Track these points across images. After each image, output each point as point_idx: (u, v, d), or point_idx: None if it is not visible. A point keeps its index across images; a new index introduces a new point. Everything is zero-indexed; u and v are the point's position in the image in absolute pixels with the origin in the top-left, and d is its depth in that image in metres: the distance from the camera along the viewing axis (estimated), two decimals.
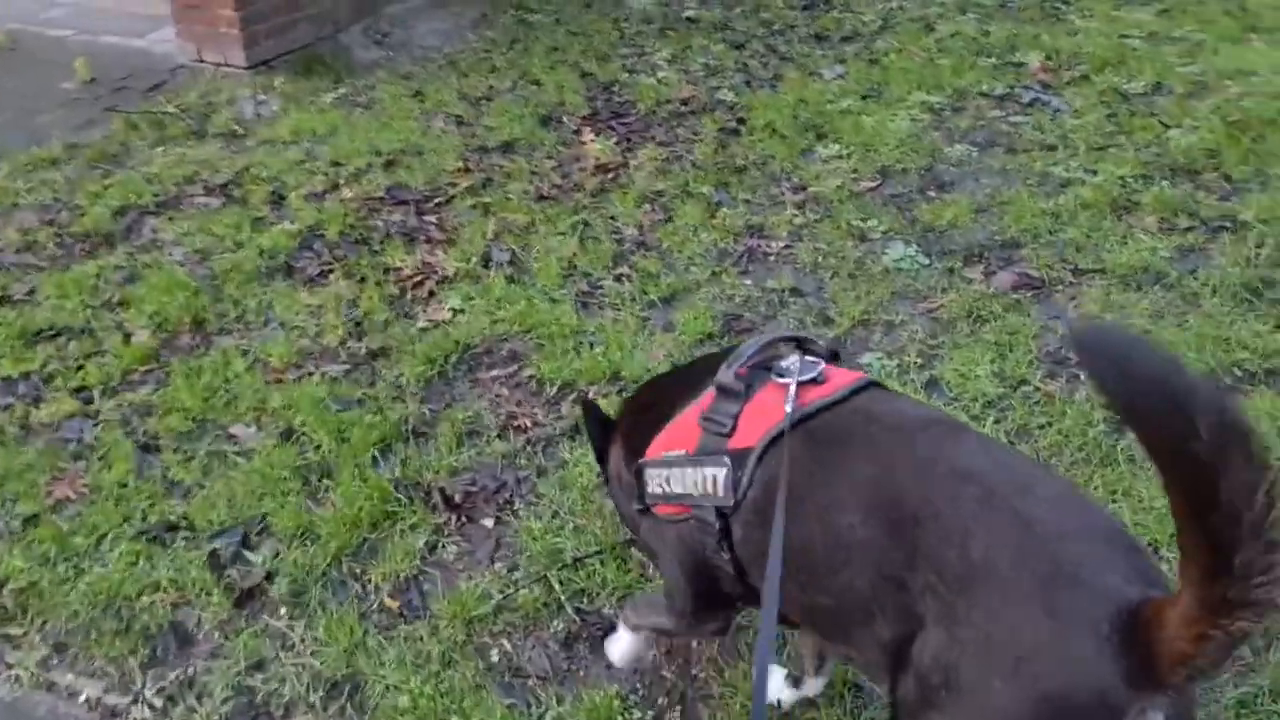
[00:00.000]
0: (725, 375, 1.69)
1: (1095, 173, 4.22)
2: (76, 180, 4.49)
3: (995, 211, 4.00)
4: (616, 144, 4.81)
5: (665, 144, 4.81)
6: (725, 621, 1.94)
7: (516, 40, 6.28)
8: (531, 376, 3.24)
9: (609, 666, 2.26)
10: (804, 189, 4.31)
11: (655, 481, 1.77)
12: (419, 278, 3.75)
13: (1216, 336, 3.14)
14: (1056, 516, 1.36)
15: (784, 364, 1.68)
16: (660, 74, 5.70)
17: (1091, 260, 3.62)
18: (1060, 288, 3.54)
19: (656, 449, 1.79)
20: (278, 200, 4.42)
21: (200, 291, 3.70)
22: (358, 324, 3.54)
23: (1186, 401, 1.04)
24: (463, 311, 3.56)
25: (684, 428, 1.74)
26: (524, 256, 3.89)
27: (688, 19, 6.61)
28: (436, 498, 2.76)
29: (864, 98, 5.11)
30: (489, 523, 2.72)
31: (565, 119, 5.19)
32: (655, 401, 1.94)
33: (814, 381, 1.63)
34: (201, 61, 5.78)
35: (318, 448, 2.95)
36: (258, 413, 3.12)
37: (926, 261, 3.71)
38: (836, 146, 4.59)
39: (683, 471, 1.70)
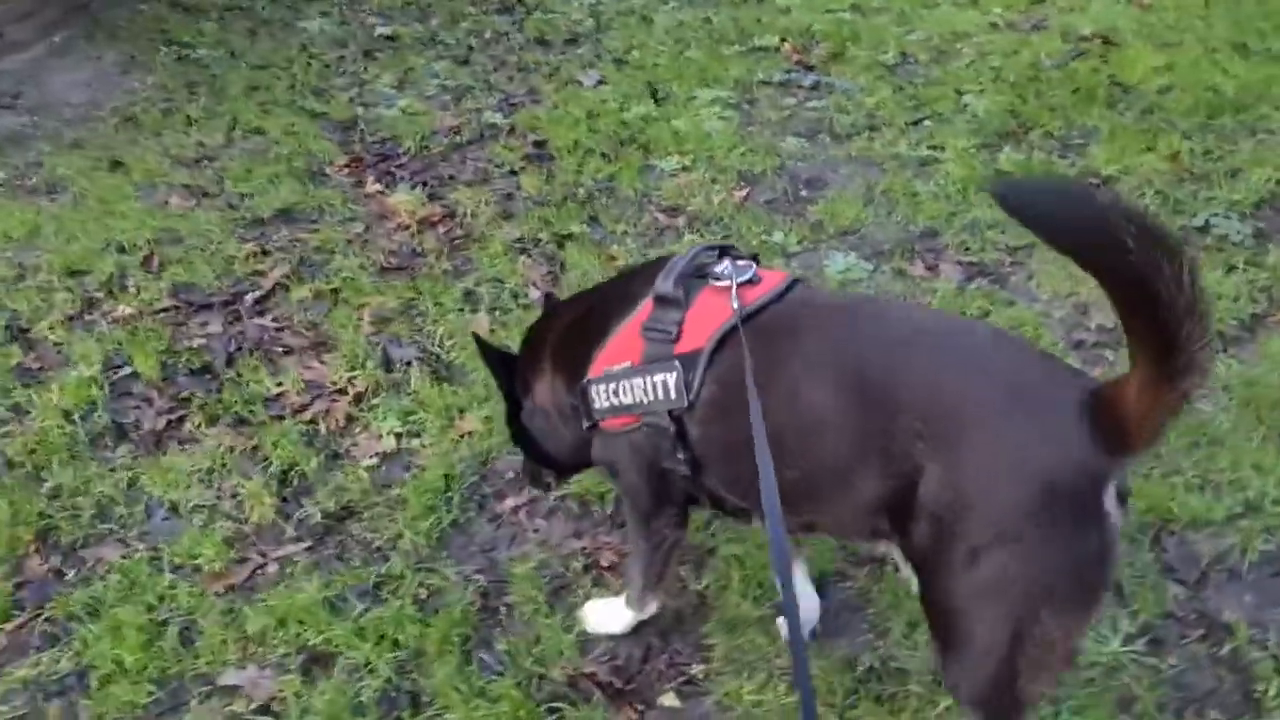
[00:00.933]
0: (663, 285, 1.77)
1: (941, 148, 4.22)
2: None
3: (883, 202, 3.87)
4: (418, 191, 4.06)
5: (477, 183, 4.16)
6: (682, 518, 2.00)
7: (194, 83, 5.19)
8: (564, 495, 2.57)
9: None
10: (677, 209, 3.90)
11: (603, 397, 1.82)
12: (314, 402, 2.88)
13: None
14: (1002, 348, 1.63)
15: (718, 269, 1.77)
16: (400, 103, 4.97)
17: (1014, 235, 3.58)
18: (1006, 267, 3.46)
19: (599, 366, 1.84)
20: (25, 339, 3.21)
21: (14, 489, 2.56)
22: (283, 481, 2.62)
23: (1107, 223, 1.29)
24: (413, 435, 2.77)
25: (626, 341, 1.81)
26: (431, 347, 3.13)
27: (385, 38, 5.86)
28: (592, 690, 2.06)
29: (650, 101, 4.76)
30: (672, 701, 2.09)
31: (328, 171, 4.31)
32: (583, 324, 1.98)
33: (750, 282, 1.74)
34: None
35: (369, 668, 2.11)
36: (242, 646, 2.18)
37: (871, 267, 3.47)
38: (675, 159, 4.22)
39: (630, 382, 1.77)
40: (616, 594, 2.19)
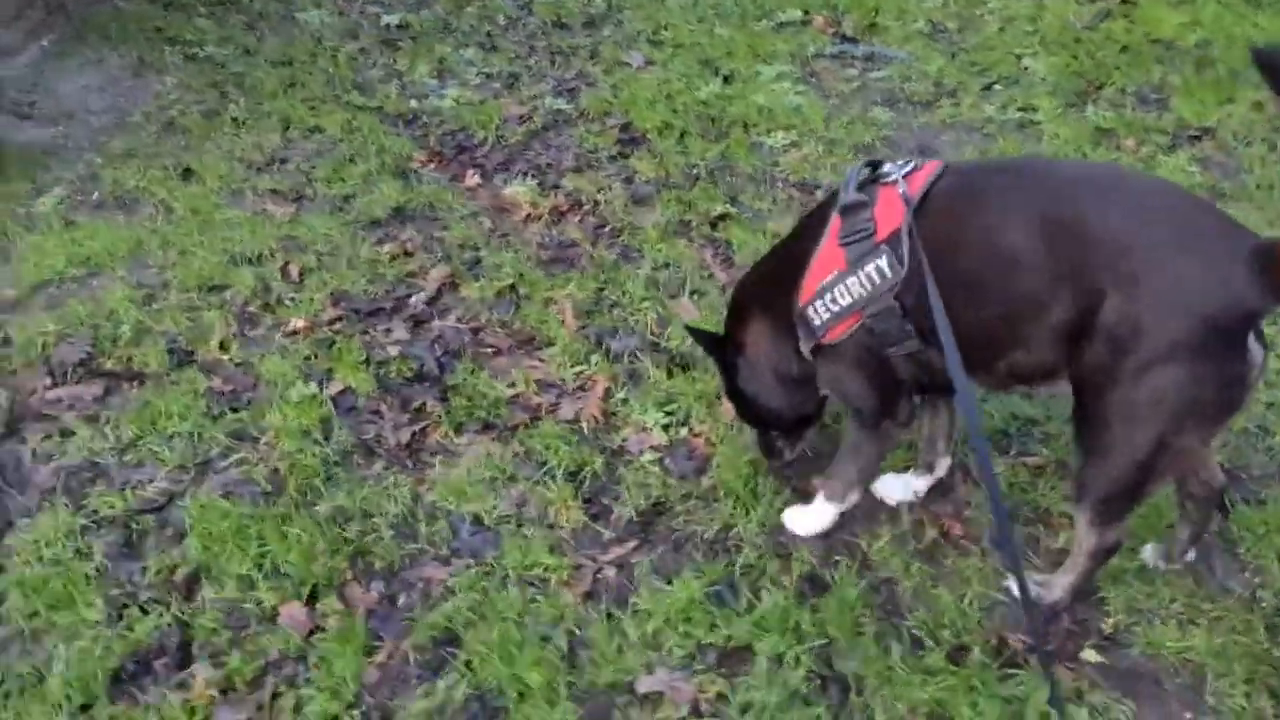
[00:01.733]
0: (846, 197, 2.01)
1: (1032, 109, 4.36)
2: None
3: None
4: (529, 181, 3.98)
5: (584, 169, 4.09)
6: (909, 411, 2.24)
7: (218, 83, 4.90)
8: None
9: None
10: (806, 184, 3.92)
11: (822, 309, 2.04)
12: (561, 401, 2.82)
13: None
14: (1177, 198, 1.88)
15: (884, 170, 2.02)
16: (450, 93, 4.82)
17: None
18: None
19: (810, 288, 2.04)
20: (195, 363, 3.01)
21: (292, 518, 2.42)
22: (574, 483, 2.55)
23: None
24: (679, 424, 2.73)
25: (827, 258, 2.02)
26: (649, 335, 3.08)
27: (396, 26, 5.65)
28: (1022, 653, 2.10)
29: (718, 79, 4.75)
30: (1095, 657, 2.14)
31: (414, 166, 4.16)
32: (774, 273, 2.23)
33: (915, 171, 1.98)
34: None
35: (782, 659, 2.09)
36: (636, 652, 2.12)
37: None
38: (780, 134, 4.23)
39: (845, 284, 1.99)
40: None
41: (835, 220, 2.04)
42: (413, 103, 4.69)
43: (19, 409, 2.82)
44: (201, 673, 2.06)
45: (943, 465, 2.46)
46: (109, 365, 2.98)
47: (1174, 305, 1.74)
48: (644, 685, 2.02)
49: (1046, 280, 1.84)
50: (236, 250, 3.51)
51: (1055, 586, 2.11)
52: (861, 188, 2.03)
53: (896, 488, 2.44)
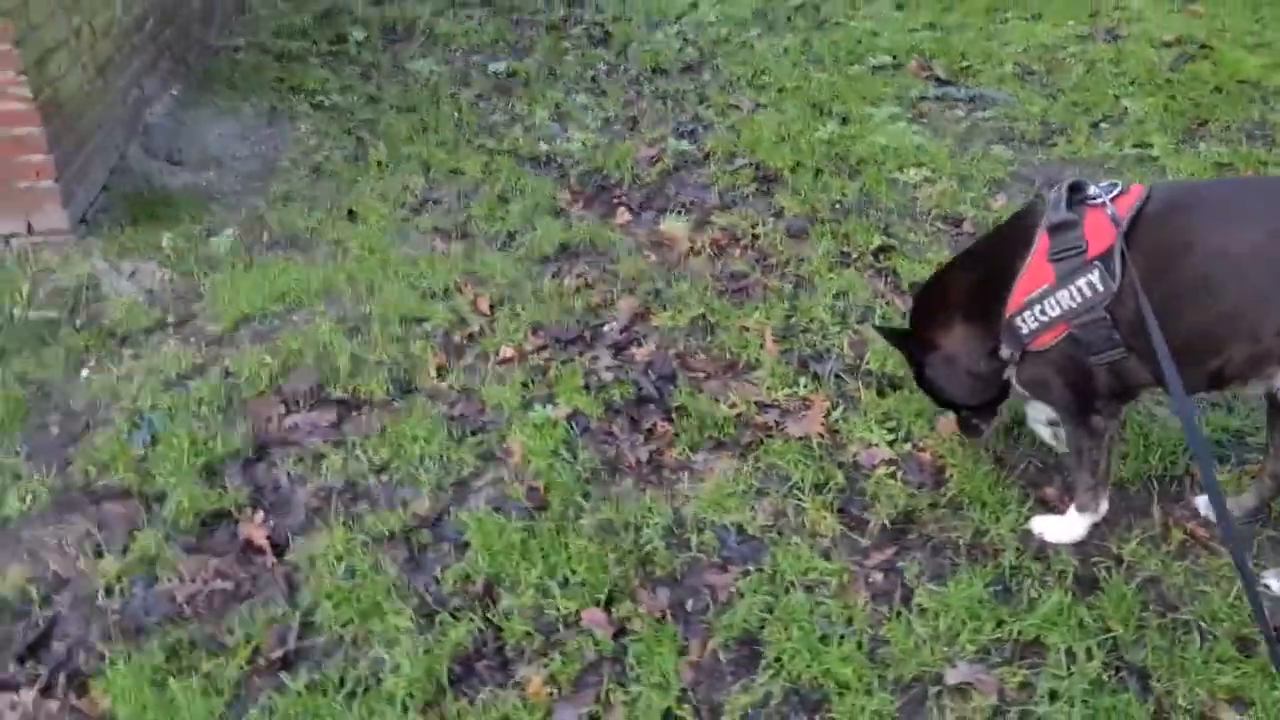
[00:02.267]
0: (1056, 216, 2.18)
1: (1148, 145, 4.60)
2: None
3: None
4: (682, 217, 4.17)
5: (729, 206, 4.30)
6: (1117, 409, 2.38)
7: (351, 129, 5.12)
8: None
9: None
10: (951, 217, 4.12)
11: (1031, 319, 2.23)
12: (786, 420, 2.98)
13: None
14: None
15: (1090, 192, 2.19)
16: (577, 135, 5.05)
17: None
18: None
19: (1016, 300, 2.24)
20: (414, 390, 3.16)
21: (563, 530, 2.59)
22: (821, 495, 2.71)
23: None
24: (903, 441, 2.89)
25: (1036, 273, 2.21)
26: (849, 359, 3.25)
27: (505, 74, 5.89)
28: None
29: (834, 120, 4.99)
30: None
31: (564, 207, 4.36)
32: (980, 281, 2.42)
33: (1120, 193, 2.16)
34: None
35: (1072, 653, 2.23)
36: (932, 647, 2.27)
37: None
38: (912, 171, 4.45)
39: (1055, 297, 2.17)
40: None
41: (1043, 237, 2.21)
42: (542, 145, 4.89)
43: (260, 435, 2.95)
44: (529, 672, 2.18)
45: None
46: (337, 394, 3.12)
47: None
48: (952, 677, 2.15)
49: (1270, 279, 2.04)
50: (423, 285, 3.67)
51: None
52: (1069, 208, 2.19)
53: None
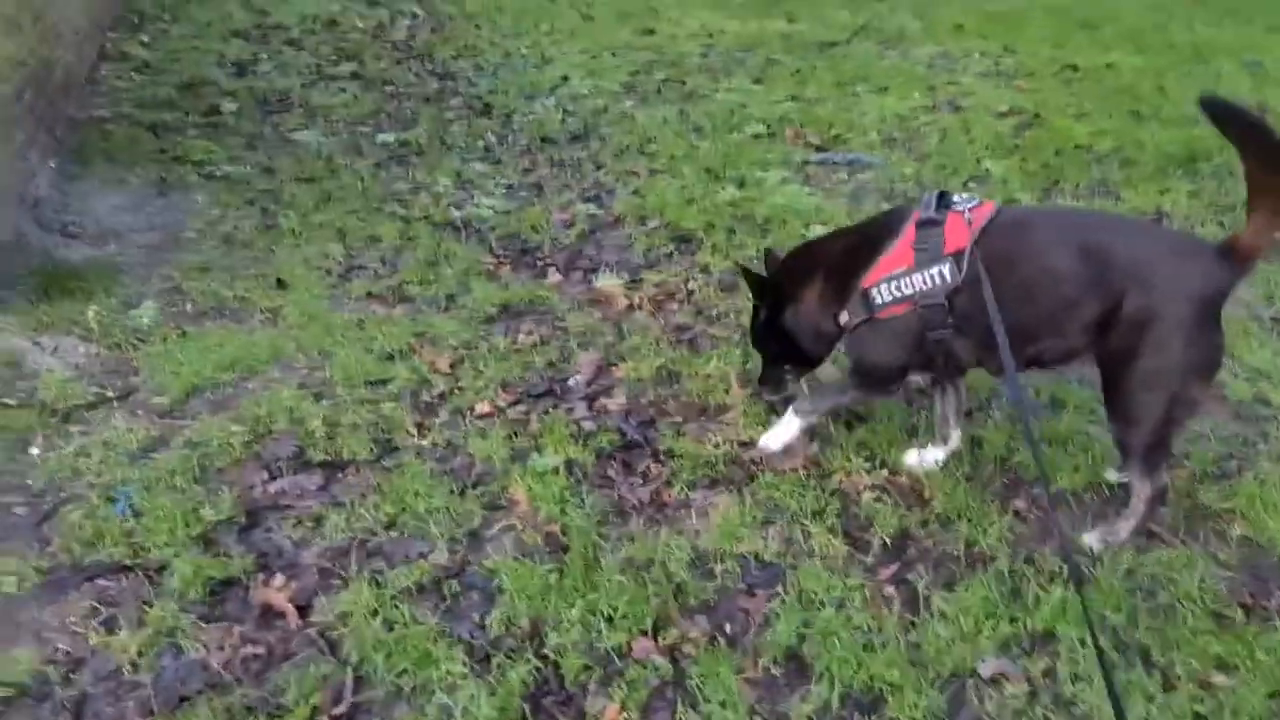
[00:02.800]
0: (926, 214, 2.63)
1: (1016, 201, 5.14)
2: None
3: None
4: (613, 276, 4.39)
5: (656, 264, 4.54)
6: (900, 389, 3.04)
7: (253, 200, 5.09)
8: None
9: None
10: None
11: (885, 293, 2.67)
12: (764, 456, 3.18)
13: None
14: (1161, 227, 3.33)
15: (955, 200, 2.65)
16: (486, 201, 5.19)
17: None
18: None
19: (877, 274, 2.67)
20: (393, 448, 3.22)
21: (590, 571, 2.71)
22: (820, 520, 2.94)
23: (1260, 126, 2.30)
24: (893, 473, 3.16)
25: (899, 255, 2.65)
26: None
27: (397, 143, 5.98)
28: None
29: (731, 184, 5.36)
30: None
31: (492, 269, 4.50)
32: (847, 254, 2.83)
33: (978, 205, 2.62)
34: None
35: (1083, 642, 2.52)
36: (967, 646, 2.51)
37: None
38: (818, 228, 4.79)
39: (911, 278, 2.62)
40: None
41: (910, 229, 2.64)
42: (454, 211, 4.99)
43: (247, 502, 2.91)
44: (598, 704, 2.26)
45: (955, 438, 3.06)
46: (319, 457, 3.10)
47: (1178, 295, 2.43)
48: (985, 670, 2.37)
49: (1081, 287, 2.49)
50: (376, 348, 3.69)
51: (1121, 532, 2.71)
52: (936, 211, 2.63)
53: (916, 459, 3.05)
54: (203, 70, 7.05)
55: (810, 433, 3.16)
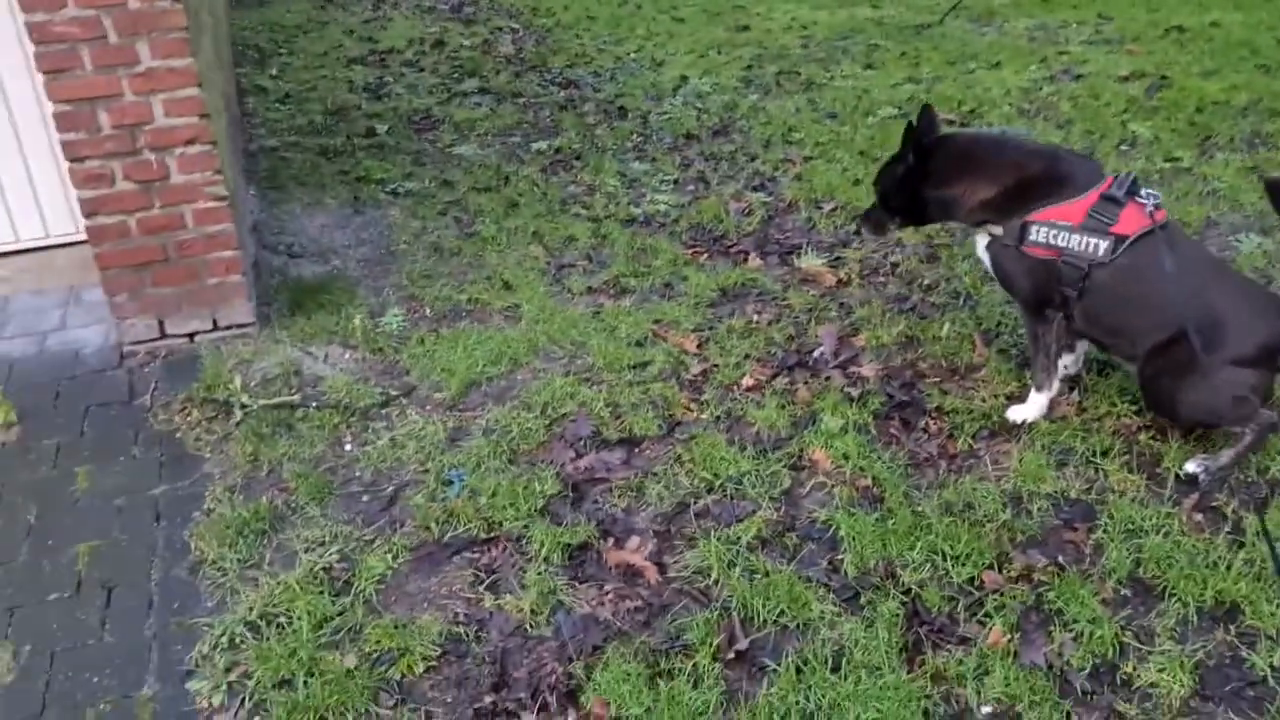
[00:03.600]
0: (1116, 192, 2.84)
1: (1177, 159, 5.28)
2: None
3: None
4: (812, 255, 4.59)
5: (842, 244, 4.72)
6: (1056, 313, 3.07)
7: (443, 212, 5.32)
8: None
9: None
10: None
11: (1042, 234, 2.90)
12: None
13: None
14: (1241, 278, 3.19)
15: (1142, 193, 2.84)
16: (660, 197, 5.39)
17: None
18: None
19: (1043, 216, 2.89)
20: (672, 425, 3.43)
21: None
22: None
23: None
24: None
25: (1073, 211, 2.87)
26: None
27: (554, 151, 6.21)
28: None
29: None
30: None
31: (689, 258, 4.71)
32: (1030, 183, 2.99)
33: (1157, 207, 2.83)
34: (165, 337, 3.94)
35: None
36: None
37: None
38: None
39: (1071, 235, 2.86)
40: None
41: (1095, 195, 2.85)
42: (633, 208, 5.20)
43: (566, 478, 3.15)
44: (975, 628, 2.47)
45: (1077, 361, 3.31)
46: (615, 435, 3.33)
47: (1241, 346, 2.80)
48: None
49: (1172, 314, 2.80)
50: (621, 336, 3.91)
51: (1222, 459, 2.96)
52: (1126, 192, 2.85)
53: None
54: (340, 96, 7.32)
55: (1071, 383, 3.34)
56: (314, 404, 3.54)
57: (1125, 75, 6.71)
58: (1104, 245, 2.83)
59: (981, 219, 3.09)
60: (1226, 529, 2.73)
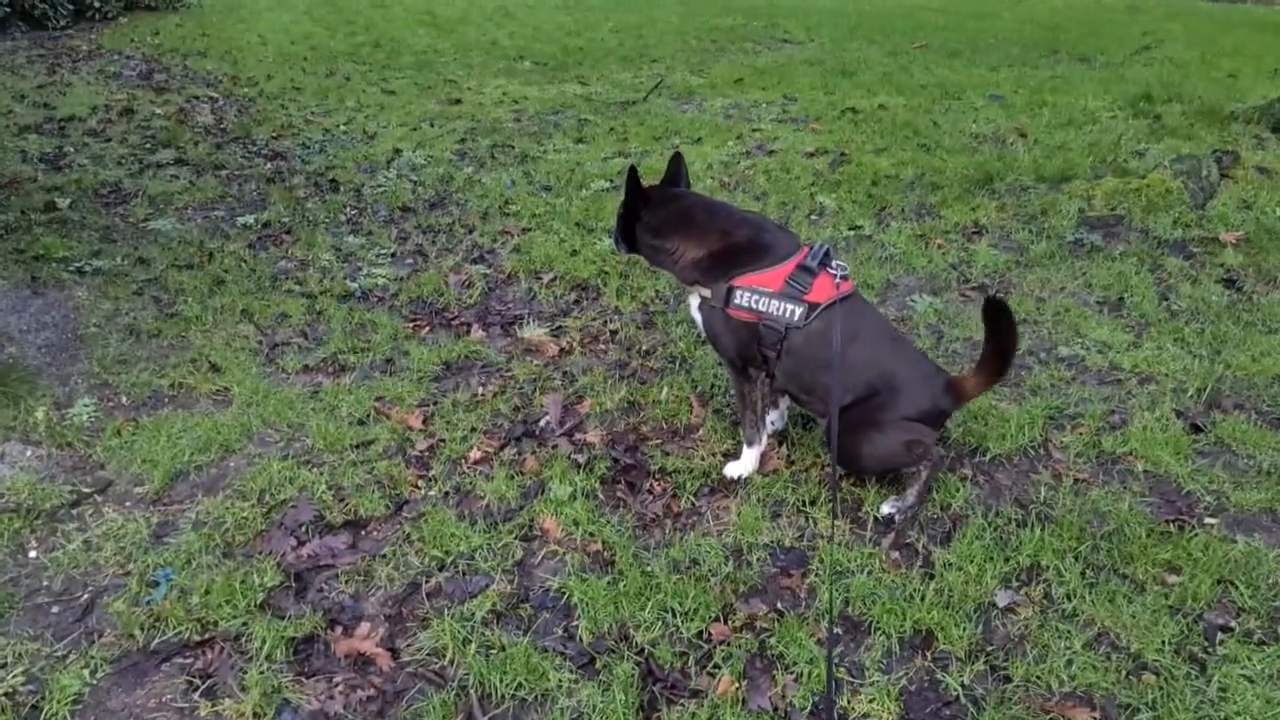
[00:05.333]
0: (810, 263, 3.08)
1: (860, 227, 5.86)
2: None
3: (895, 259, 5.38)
4: (534, 326, 4.74)
5: (565, 313, 4.87)
6: (760, 373, 3.29)
7: (139, 292, 5.03)
8: None
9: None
10: None
11: (745, 299, 3.09)
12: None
13: None
14: (919, 356, 3.29)
15: (833, 265, 3.11)
16: (378, 270, 5.38)
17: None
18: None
19: (746, 281, 3.09)
20: (402, 503, 3.45)
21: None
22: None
23: (1012, 326, 2.97)
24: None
25: (773, 279, 3.08)
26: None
27: (262, 225, 6.05)
28: None
29: (607, 235, 5.75)
30: None
31: (410, 332, 4.76)
32: (738, 249, 3.18)
33: (845, 277, 3.11)
34: None
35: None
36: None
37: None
38: None
39: (770, 301, 3.07)
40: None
41: (792, 265, 3.08)
42: (349, 283, 5.13)
43: (287, 568, 3.04)
44: (707, 681, 2.59)
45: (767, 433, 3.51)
46: (339, 518, 3.25)
47: (909, 406, 3.10)
48: (1001, 600, 2.87)
49: (862, 372, 3.09)
50: (343, 414, 3.84)
51: (908, 499, 3.25)
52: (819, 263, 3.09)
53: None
54: (12, 167, 6.74)
55: (779, 438, 3.56)
56: None
57: (811, 151, 7.31)
58: (799, 311, 3.05)
59: (693, 278, 3.23)
60: (919, 563, 2.97)
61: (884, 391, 3.07)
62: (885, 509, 3.19)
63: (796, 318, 3.06)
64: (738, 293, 3.11)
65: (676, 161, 3.39)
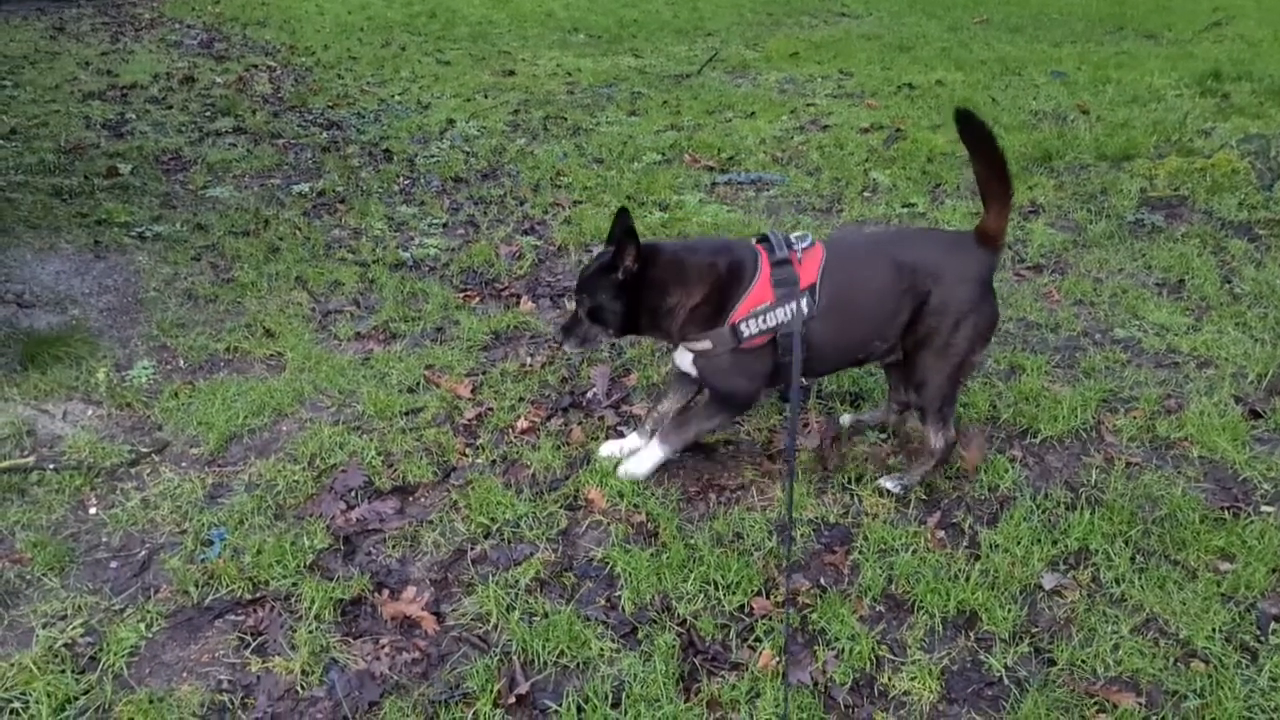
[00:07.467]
0: (779, 255, 2.87)
1: (913, 204, 5.78)
2: None
3: None
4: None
5: None
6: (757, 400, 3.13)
7: (197, 257, 5.12)
8: None
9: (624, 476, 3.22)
10: None
11: (753, 326, 2.87)
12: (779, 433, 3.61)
13: None
14: (940, 232, 3.28)
15: (793, 239, 2.92)
16: (430, 241, 5.41)
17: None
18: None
19: (745, 309, 2.86)
20: (452, 473, 3.47)
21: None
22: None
23: (989, 136, 2.76)
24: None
25: (761, 291, 2.86)
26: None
27: (316, 194, 6.11)
28: None
29: (657, 208, 5.66)
30: None
31: (461, 302, 4.77)
32: (725, 279, 2.92)
33: (810, 244, 2.91)
34: None
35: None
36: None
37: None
38: None
39: (773, 311, 2.85)
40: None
41: (766, 270, 2.86)
42: (402, 252, 5.16)
43: (336, 531, 3.08)
44: (747, 655, 2.59)
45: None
46: (388, 484, 3.29)
47: (963, 283, 2.90)
48: (1048, 583, 2.84)
49: (898, 298, 2.91)
50: (392, 382, 3.87)
51: (914, 476, 3.19)
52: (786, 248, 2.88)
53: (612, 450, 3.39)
54: (76, 133, 6.87)
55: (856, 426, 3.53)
56: (51, 465, 3.25)
57: (866, 127, 7.22)
58: (803, 301, 2.87)
59: (691, 332, 2.97)
60: (964, 544, 2.95)
61: (934, 290, 2.92)
62: (888, 484, 3.18)
63: (805, 309, 2.88)
64: (743, 325, 2.89)
65: (623, 216, 2.89)
